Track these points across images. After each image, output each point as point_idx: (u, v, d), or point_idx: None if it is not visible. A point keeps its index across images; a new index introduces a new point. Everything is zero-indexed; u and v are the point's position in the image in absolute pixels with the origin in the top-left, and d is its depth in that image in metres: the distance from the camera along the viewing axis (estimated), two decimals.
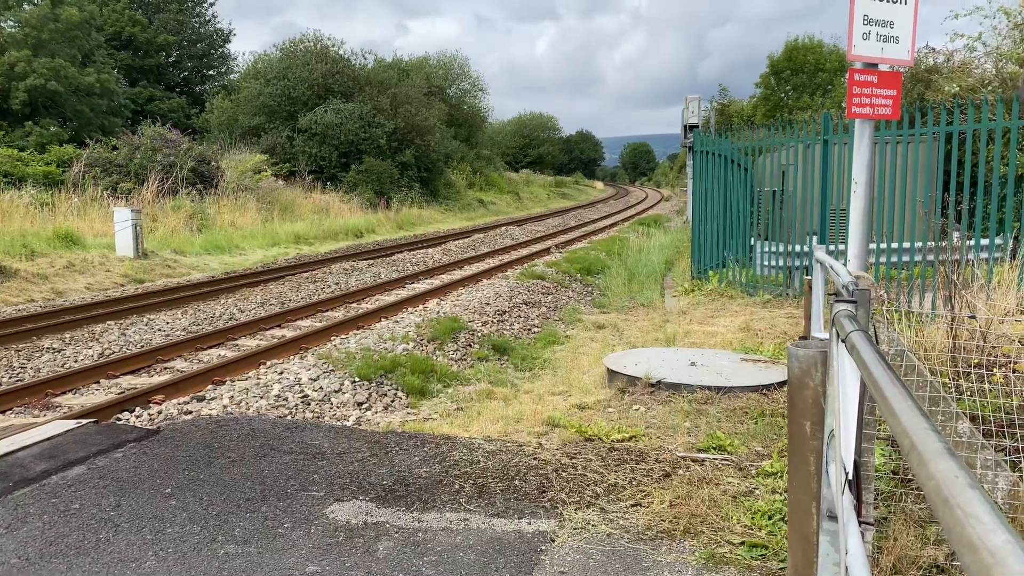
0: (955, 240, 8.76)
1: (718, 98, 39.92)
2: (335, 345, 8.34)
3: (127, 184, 22.00)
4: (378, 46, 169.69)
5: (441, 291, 12.48)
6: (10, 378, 7.63)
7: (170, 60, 44.31)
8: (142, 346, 8.85)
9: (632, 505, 4.07)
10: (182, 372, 7.67)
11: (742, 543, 3.60)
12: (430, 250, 19.72)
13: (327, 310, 11.21)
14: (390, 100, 33.84)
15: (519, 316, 10.36)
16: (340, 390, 6.68)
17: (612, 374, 6.71)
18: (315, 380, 6.86)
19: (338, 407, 6.38)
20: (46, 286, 13.06)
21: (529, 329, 9.83)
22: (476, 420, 5.84)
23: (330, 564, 3.43)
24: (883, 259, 9.77)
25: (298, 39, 35.45)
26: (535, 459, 4.74)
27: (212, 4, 46.57)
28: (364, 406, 6.46)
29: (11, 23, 33.32)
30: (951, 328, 4.82)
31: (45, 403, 6.75)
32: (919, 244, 9.49)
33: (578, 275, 14.18)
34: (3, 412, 6.51)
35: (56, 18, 33.01)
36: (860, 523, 1.77)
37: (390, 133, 32.97)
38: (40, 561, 3.43)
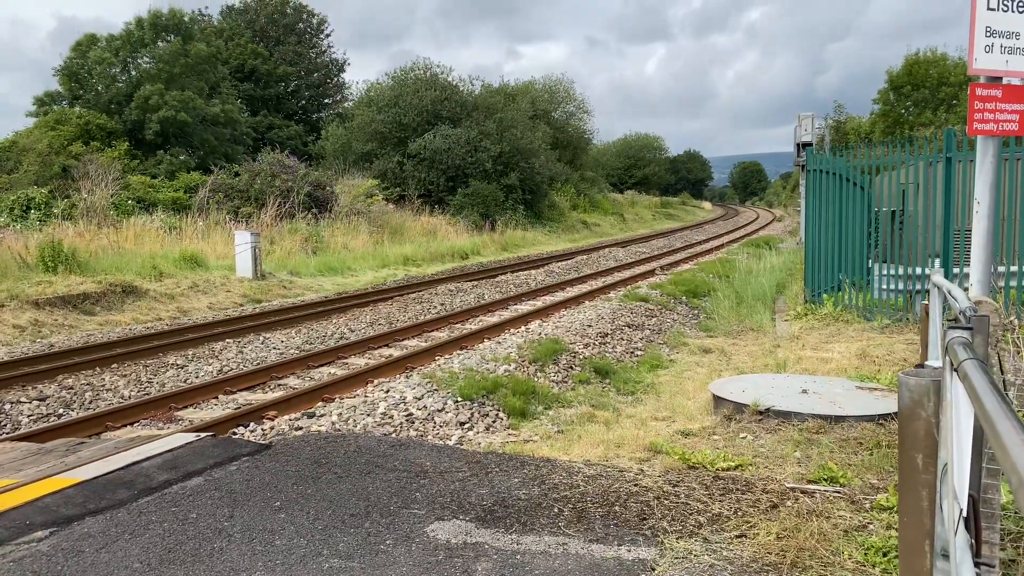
0: None
1: (833, 115, 38.66)
2: (439, 365, 8.48)
3: (247, 208, 23.16)
4: (489, 71, 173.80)
5: (543, 312, 12.52)
6: (138, 392, 8.12)
7: (288, 90, 46.52)
8: (258, 363, 9.25)
9: (736, 536, 3.95)
10: (294, 389, 7.96)
11: None
12: (533, 272, 19.83)
13: (432, 330, 11.42)
14: (496, 124, 34.39)
15: (622, 339, 10.27)
16: (443, 409, 6.77)
17: (718, 400, 6.55)
18: (419, 399, 6.98)
19: (441, 426, 6.47)
20: (172, 305, 13.86)
21: (632, 352, 9.72)
22: (576, 443, 5.80)
23: None
24: (1015, 283, 9.18)
25: (409, 67, 36.58)
26: (636, 485, 4.67)
27: (328, 35, 48.72)
28: (466, 426, 6.53)
29: (147, 59, 35.78)
30: None
31: (168, 416, 7.14)
32: None
33: (683, 297, 13.94)
34: (131, 424, 6.93)
35: (186, 53, 35.26)
36: (979, 564, 1.66)
37: (495, 157, 33.47)
38: (160, 567, 3.62)
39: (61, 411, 7.46)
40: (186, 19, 37.69)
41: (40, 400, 7.72)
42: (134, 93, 34.07)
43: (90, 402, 7.74)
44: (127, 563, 3.65)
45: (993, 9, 4.18)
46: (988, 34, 4.19)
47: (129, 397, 7.92)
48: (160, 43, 36.06)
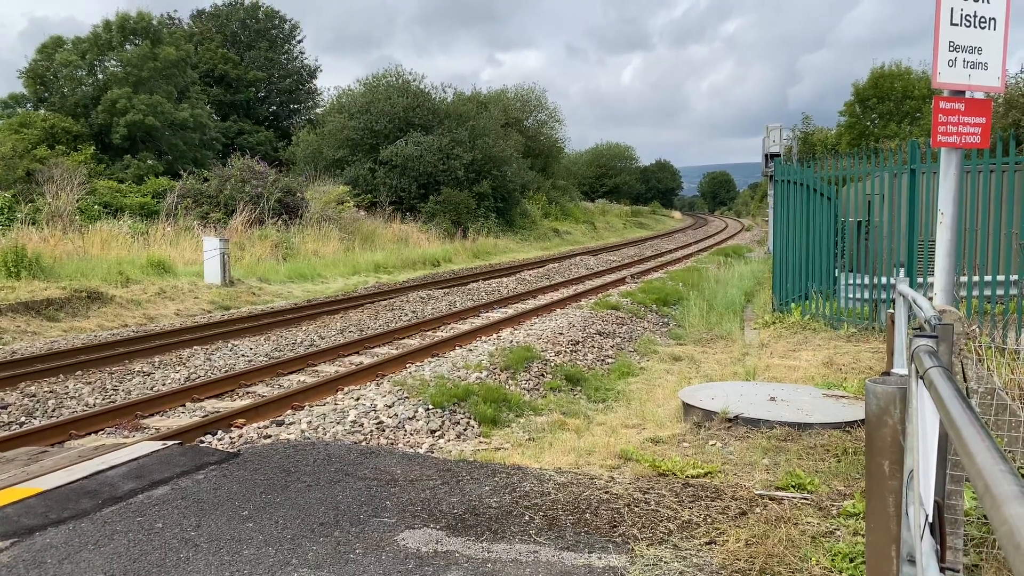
0: None
1: (801, 126, 39.22)
2: (410, 372, 8.45)
3: (217, 214, 22.90)
4: (466, 79, 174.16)
5: (515, 320, 12.52)
6: (103, 400, 7.98)
7: (259, 95, 46.17)
8: (226, 371, 9.14)
9: (706, 543, 3.97)
10: (263, 397, 7.88)
11: None
12: (504, 279, 19.83)
13: (403, 338, 11.37)
14: (468, 132, 34.40)
15: (593, 346, 10.30)
16: (414, 417, 6.74)
17: (688, 408, 6.59)
18: (390, 407, 6.95)
19: (411, 434, 6.44)
20: (139, 312, 13.65)
21: (603, 360, 9.76)
22: (548, 451, 5.81)
23: None
24: (976, 292, 9.36)
25: (381, 74, 36.46)
26: (607, 493, 4.68)
27: (300, 41, 48.45)
28: (437, 434, 6.51)
29: (114, 62, 35.29)
30: None
31: (135, 424, 7.03)
32: (1015, 277, 9.06)
33: (654, 306, 14.02)
34: (96, 432, 6.80)
35: (155, 57, 34.82)
36: (944, 569, 1.68)
37: (468, 164, 33.47)
38: None
39: (23, 419, 7.31)
40: (155, 22, 37.27)
41: (1, 408, 7.55)
42: (101, 96, 33.57)
43: (53, 410, 7.60)
44: (90, 574, 3.58)
45: (956, 24, 4.27)
46: (951, 49, 4.29)
47: (94, 405, 7.78)
48: (128, 46, 35.59)
